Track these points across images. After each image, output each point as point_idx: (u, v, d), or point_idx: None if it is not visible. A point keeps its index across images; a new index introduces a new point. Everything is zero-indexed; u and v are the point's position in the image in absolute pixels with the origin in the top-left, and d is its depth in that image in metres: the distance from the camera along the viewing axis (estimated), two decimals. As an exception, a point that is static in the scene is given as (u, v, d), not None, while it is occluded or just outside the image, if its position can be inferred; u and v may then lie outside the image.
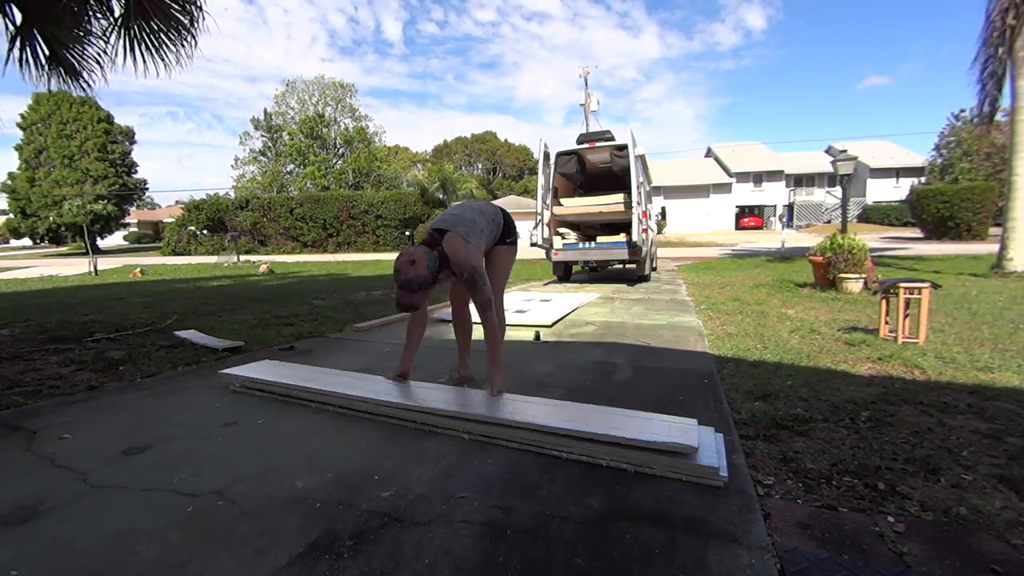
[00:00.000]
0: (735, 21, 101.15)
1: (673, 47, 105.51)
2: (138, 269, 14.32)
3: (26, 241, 37.76)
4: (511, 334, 3.47)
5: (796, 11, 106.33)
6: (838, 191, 28.53)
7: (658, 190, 30.17)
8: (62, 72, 4.20)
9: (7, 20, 3.83)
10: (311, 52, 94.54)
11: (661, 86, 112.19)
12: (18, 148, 32.90)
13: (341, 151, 41.24)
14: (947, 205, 19.93)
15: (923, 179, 29.57)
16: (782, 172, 36.18)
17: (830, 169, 14.44)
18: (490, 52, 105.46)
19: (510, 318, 4.19)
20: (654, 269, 9.55)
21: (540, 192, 7.90)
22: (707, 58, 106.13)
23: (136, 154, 36.12)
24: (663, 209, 15.01)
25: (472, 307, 2.51)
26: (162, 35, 4.12)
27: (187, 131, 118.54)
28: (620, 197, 7.72)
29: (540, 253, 8.51)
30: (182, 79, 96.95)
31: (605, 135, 8.32)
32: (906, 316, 3.57)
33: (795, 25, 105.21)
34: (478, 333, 2.51)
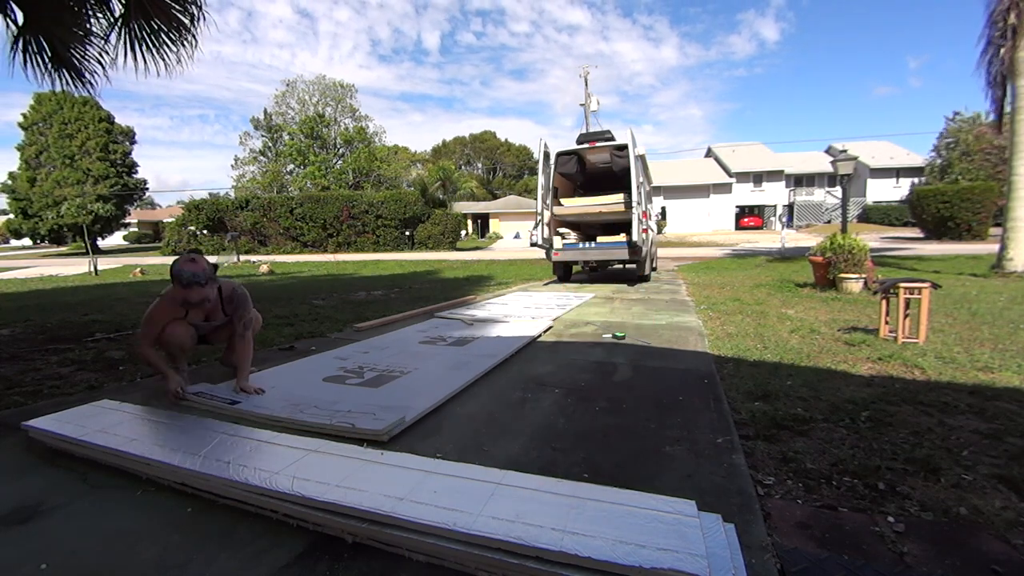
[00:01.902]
0: (751, 33, 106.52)
1: (691, 56, 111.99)
2: (138, 269, 14.33)
3: (26, 241, 37.77)
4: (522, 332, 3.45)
5: (808, 25, 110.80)
6: (838, 191, 28.55)
7: (658, 190, 30.17)
8: (64, 72, 4.21)
9: (8, 20, 3.83)
10: (351, 60, 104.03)
11: (675, 92, 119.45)
12: (19, 148, 32.90)
13: (341, 151, 41.25)
14: (947, 205, 19.95)
15: (923, 179, 29.60)
16: (782, 172, 36.19)
17: (830, 169, 14.44)
18: (521, 60, 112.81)
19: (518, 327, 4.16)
20: (654, 269, 9.56)
21: (540, 192, 7.90)
22: (721, 66, 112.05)
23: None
24: (663, 209, 15.03)
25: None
26: (163, 35, 4.12)
27: (213, 132, 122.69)
28: (620, 197, 7.73)
29: (540, 253, 8.52)
30: (221, 83, 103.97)
31: (605, 135, 8.32)
32: (906, 316, 3.57)
33: (806, 38, 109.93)
34: None
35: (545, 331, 4.17)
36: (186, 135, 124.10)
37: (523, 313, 5.07)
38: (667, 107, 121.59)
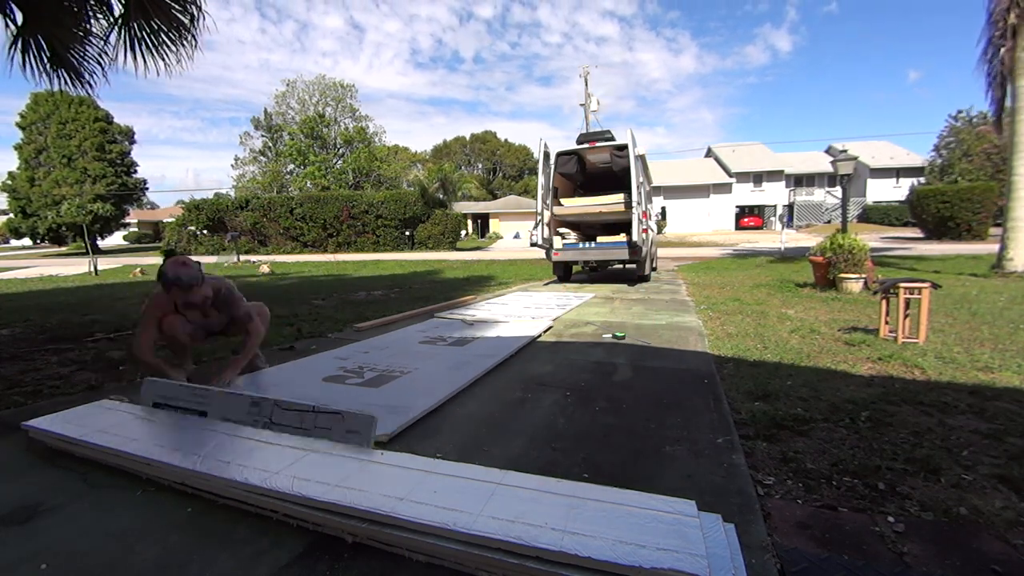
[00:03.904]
0: (765, 44, 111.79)
1: (707, 65, 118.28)
2: (138, 269, 14.32)
3: (26, 241, 37.75)
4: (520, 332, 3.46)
5: (819, 38, 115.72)
6: (838, 191, 28.56)
7: (658, 190, 30.18)
8: (64, 72, 4.20)
9: (7, 20, 3.83)
10: (390, 67, 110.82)
11: (689, 97, 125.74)
12: (18, 148, 32.88)
13: (341, 151, 41.23)
14: (947, 205, 19.96)
15: (923, 179, 29.62)
16: (782, 172, 36.19)
17: (830, 169, 14.44)
18: (549, 68, 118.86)
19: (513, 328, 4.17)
20: (654, 269, 9.56)
21: (540, 192, 7.90)
22: (734, 74, 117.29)
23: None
24: (663, 209, 15.02)
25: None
26: (162, 35, 4.12)
27: (240, 133, 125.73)
28: (620, 197, 7.73)
29: (540, 253, 8.52)
30: (259, 87, 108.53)
31: (605, 135, 8.32)
32: (906, 316, 3.57)
33: (816, 48, 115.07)
34: None
35: (545, 331, 4.17)
36: (213, 136, 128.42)
37: (523, 313, 5.06)
38: (680, 111, 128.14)
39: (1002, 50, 7.82)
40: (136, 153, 35.79)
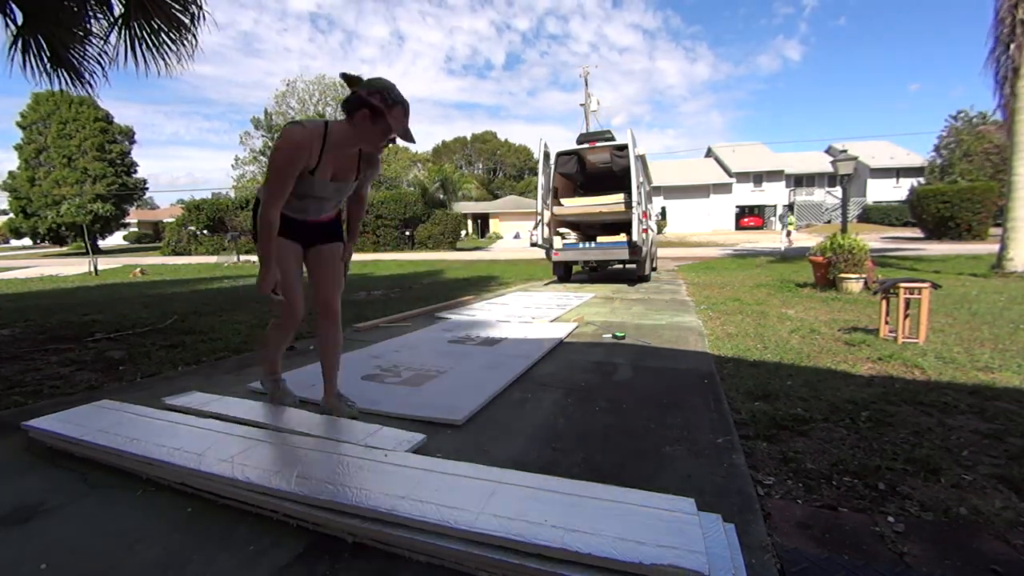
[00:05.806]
0: (776, 52, 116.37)
1: (721, 72, 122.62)
2: (138, 269, 14.32)
3: (26, 241, 37.76)
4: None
5: (828, 48, 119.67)
6: (838, 191, 28.55)
7: (658, 190, 30.17)
8: (64, 72, 4.20)
9: (7, 20, 3.83)
10: (424, 74, 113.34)
11: (701, 102, 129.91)
12: (18, 148, 32.90)
13: (341, 151, 41.17)
14: (947, 205, 19.98)
15: (923, 179, 29.62)
16: (782, 172, 36.20)
17: (830, 169, 14.44)
18: (573, 75, 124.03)
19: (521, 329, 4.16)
20: (654, 269, 9.56)
21: (540, 192, 7.91)
22: (745, 80, 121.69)
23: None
24: (663, 209, 15.02)
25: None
26: (163, 34, 4.12)
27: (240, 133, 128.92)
28: (620, 197, 7.73)
29: (540, 253, 8.52)
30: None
31: (605, 135, 8.33)
32: (906, 316, 3.57)
33: (822, 58, 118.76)
34: None
35: (571, 333, 4.07)
36: (234, 138, 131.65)
37: (523, 313, 5.06)
38: (691, 115, 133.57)
39: (1011, 47, 7.68)
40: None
